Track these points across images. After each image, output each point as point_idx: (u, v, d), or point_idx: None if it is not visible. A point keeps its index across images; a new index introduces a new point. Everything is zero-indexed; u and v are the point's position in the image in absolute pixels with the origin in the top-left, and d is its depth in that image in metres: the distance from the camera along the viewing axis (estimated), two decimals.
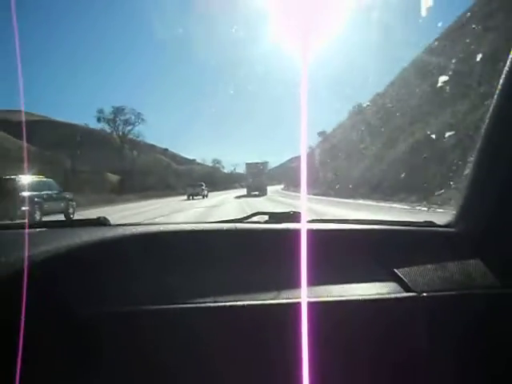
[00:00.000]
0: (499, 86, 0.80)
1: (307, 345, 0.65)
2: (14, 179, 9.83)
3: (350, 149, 18.57)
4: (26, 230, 0.91)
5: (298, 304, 0.68)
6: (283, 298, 0.70)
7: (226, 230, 0.88)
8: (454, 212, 0.92)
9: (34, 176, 10.96)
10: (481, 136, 0.84)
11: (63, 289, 0.66)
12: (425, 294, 0.72)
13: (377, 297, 0.72)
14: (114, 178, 35.70)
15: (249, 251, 0.81)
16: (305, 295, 0.69)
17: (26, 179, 10.14)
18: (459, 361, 0.71)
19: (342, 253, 0.81)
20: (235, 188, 43.06)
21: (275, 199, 18.63)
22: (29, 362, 0.57)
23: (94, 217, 1.01)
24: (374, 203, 11.25)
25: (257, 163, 29.99)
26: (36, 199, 9.91)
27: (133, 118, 43.32)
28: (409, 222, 1.01)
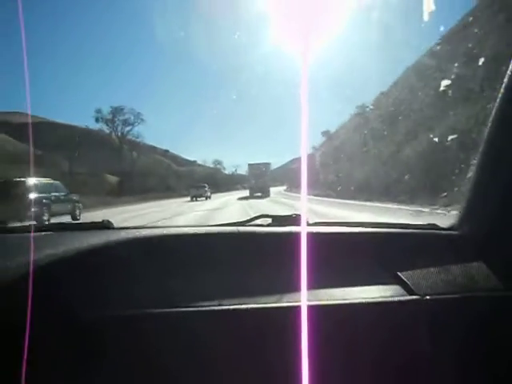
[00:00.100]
0: (501, 90, 0.80)
1: (308, 348, 0.65)
2: (23, 181, 10.10)
3: (352, 150, 18.55)
4: (31, 234, 0.91)
5: (299, 307, 0.68)
6: (285, 302, 0.70)
7: (229, 234, 0.88)
8: (458, 215, 0.92)
9: (42, 178, 11.37)
10: (483, 139, 0.84)
11: (67, 292, 0.67)
12: (428, 297, 0.72)
13: (379, 300, 0.72)
14: (113, 179, 35.42)
15: (251, 254, 0.81)
16: (306, 298, 0.69)
17: (34, 181, 10.48)
18: (462, 363, 0.70)
19: (345, 256, 0.81)
20: (237, 189, 42.71)
21: (279, 201, 18.43)
22: (33, 364, 0.58)
23: (91, 220, 1.02)
24: (375, 205, 11.22)
25: (259, 164, 29.65)
26: (44, 201, 10.16)
27: (132, 118, 42.75)
28: (412, 224, 1.01)
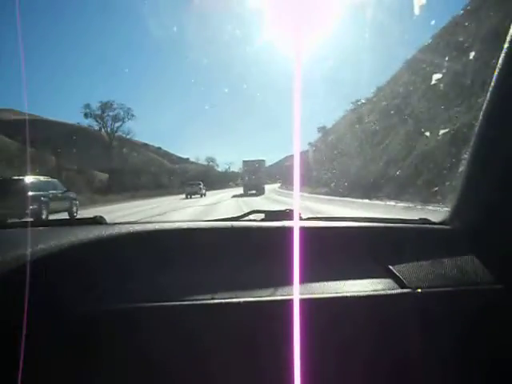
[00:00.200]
0: (492, 83, 0.80)
1: (301, 340, 0.65)
2: (22, 180, 10.41)
3: (346, 147, 18.62)
4: (25, 229, 0.92)
5: (292, 301, 0.68)
6: (278, 295, 0.71)
7: (222, 228, 0.88)
8: (449, 209, 0.92)
9: (40, 176, 11.74)
10: (474, 133, 0.84)
11: (60, 286, 0.66)
12: (419, 290, 0.73)
13: (371, 293, 0.72)
14: (103, 176, 34.73)
15: (244, 249, 0.81)
16: (298, 292, 0.70)
17: (32, 180, 10.82)
18: (453, 356, 0.71)
19: (337, 250, 0.81)
20: (230, 187, 42.53)
21: (275, 198, 18.26)
22: (27, 360, 0.58)
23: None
24: (373, 202, 11.30)
25: (254, 161, 29.43)
26: (43, 198, 10.41)
27: (122, 113, 41.98)
28: (404, 219, 1.01)
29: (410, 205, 8.44)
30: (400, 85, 16.71)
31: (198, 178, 31.00)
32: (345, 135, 19.98)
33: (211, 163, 57.52)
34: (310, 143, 26.65)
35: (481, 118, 0.82)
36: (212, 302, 0.68)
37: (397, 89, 16.98)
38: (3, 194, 9.08)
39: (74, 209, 12.32)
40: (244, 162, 30.47)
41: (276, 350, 0.66)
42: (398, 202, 9.51)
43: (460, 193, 0.89)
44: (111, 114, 41.89)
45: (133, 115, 42.20)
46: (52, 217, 9.75)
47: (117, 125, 42.56)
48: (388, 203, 9.83)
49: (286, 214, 0.94)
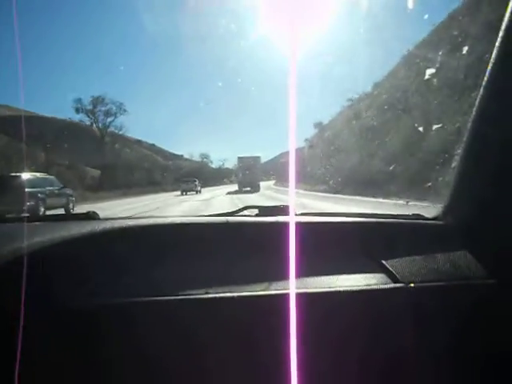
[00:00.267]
0: (486, 78, 0.80)
1: (296, 334, 0.65)
2: (19, 176, 10.57)
3: (342, 143, 18.62)
4: (21, 224, 0.93)
5: (287, 295, 0.68)
6: (272, 290, 0.71)
7: (217, 223, 0.88)
8: (442, 205, 0.93)
9: (37, 173, 11.96)
10: (468, 129, 0.84)
11: (53, 280, 0.66)
12: (412, 285, 0.73)
13: (364, 288, 0.73)
14: (95, 172, 33.93)
15: (239, 244, 0.81)
16: (293, 286, 0.70)
17: (29, 176, 11.02)
18: (446, 350, 0.71)
19: (331, 245, 0.81)
20: (224, 184, 42.16)
21: (271, 195, 17.95)
22: (24, 350, 0.58)
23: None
24: (355, 198, 11.30)
25: (249, 157, 29.16)
26: (39, 195, 10.55)
27: (114, 108, 41.06)
28: (397, 215, 1.02)
29: (417, 203, 8.32)
30: (399, 79, 16.71)
31: (192, 175, 30.78)
32: (341, 131, 19.98)
33: (205, 159, 57.08)
34: (306, 139, 26.60)
35: (474, 113, 0.83)
36: (206, 296, 0.68)
37: (394, 84, 16.98)
38: (1, 190, 9.18)
39: (71, 205, 12.49)
40: (239, 158, 30.19)
41: (271, 344, 0.67)
42: (398, 200, 9.39)
43: (453, 188, 0.89)
44: (103, 109, 41.11)
45: (125, 110, 41.41)
46: (49, 213, 9.70)
47: (109, 120, 41.83)
48: (392, 201, 9.60)
49: (281, 210, 0.94)
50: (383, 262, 0.78)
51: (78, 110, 40.69)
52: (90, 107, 40.77)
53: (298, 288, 0.70)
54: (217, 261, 0.77)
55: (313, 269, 0.75)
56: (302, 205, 9.46)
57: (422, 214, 0.99)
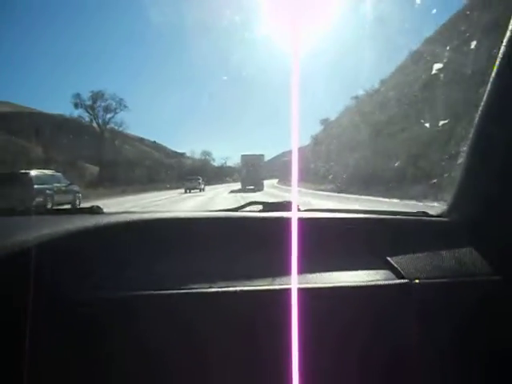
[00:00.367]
0: (493, 74, 0.79)
1: (298, 329, 0.66)
2: (28, 173, 11.08)
3: (348, 140, 18.46)
4: (29, 217, 0.94)
5: (290, 290, 0.68)
6: (275, 284, 0.71)
7: (220, 218, 0.88)
8: (448, 201, 0.92)
9: (45, 170, 12.57)
10: (474, 125, 0.84)
11: (57, 273, 0.67)
12: (417, 281, 0.73)
13: (368, 283, 0.72)
14: (94, 169, 33.65)
15: (242, 239, 0.81)
16: (295, 282, 0.70)
17: (38, 173, 11.57)
18: (451, 347, 0.71)
19: (335, 241, 0.81)
20: (227, 182, 41.68)
21: (275, 194, 17.69)
22: (30, 344, 0.59)
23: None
24: (360, 197, 11.17)
25: (252, 156, 28.86)
26: (48, 191, 11.05)
27: (114, 104, 39.96)
28: (402, 211, 1.01)
29: (431, 203, 8.09)
30: (405, 75, 16.49)
31: (195, 173, 30.77)
32: (347, 128, 19.80)
33: (207, 157, 56.24)
34: (312, 136, 26.38)
35: (480, 109, 0.82)
36: (209, 290, 0.69)
37: (401, 80, 16.77)
38: (11, 186, 9.58)
39: (77, 201, 12.87)
40: (242, 156, 29.95)
41: (273, 339, 0.67)
42: (404, 200, 9.13)
43: (459, 185, 0.88)
44: (103, 104, 40.12)
45: (125, 106, 40.42)
46: None
47: (109, 116, 40.91)
48: (402, 202, 9.33)
49: (284, 206, 0.94)
50: (388, 258, 0.78)
51: (76, 105, 39.81)
52: (89, 102, 39.95)
53: (300, 283, 0.70)
54: (220, 255, 0.77)
55: (316, 264, 0.75)
56: (305, 204, 9.28)
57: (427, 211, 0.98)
